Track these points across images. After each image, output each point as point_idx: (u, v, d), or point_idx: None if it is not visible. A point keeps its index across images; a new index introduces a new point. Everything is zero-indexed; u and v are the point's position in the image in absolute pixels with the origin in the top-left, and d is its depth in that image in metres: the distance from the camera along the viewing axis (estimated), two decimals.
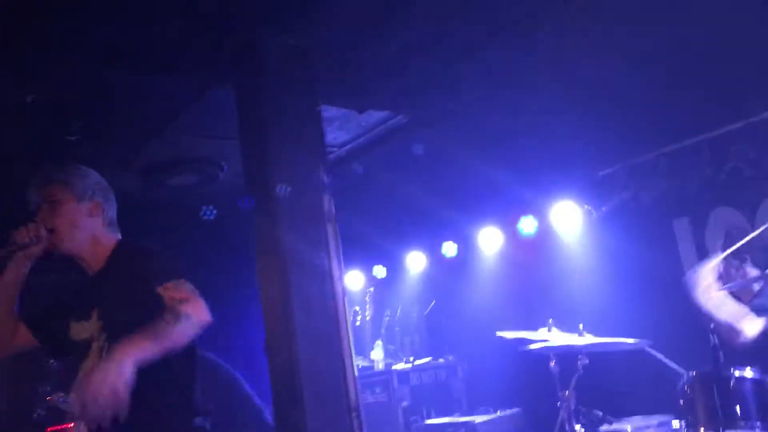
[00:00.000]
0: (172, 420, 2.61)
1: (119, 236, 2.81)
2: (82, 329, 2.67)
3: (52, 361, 2.91)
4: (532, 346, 4.55)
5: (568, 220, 6.06)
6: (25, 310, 2.75)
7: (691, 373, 3.84)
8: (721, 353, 3.60)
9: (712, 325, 3.66)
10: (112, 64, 3.56)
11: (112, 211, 2.80)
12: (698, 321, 4.13)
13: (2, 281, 2.65)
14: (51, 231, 2.62)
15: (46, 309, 2.84)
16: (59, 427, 5.91)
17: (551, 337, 4.54)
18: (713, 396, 3.65)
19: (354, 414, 3.31)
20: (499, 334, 4.80)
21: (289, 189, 3.35)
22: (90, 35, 3.31)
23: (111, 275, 2.66)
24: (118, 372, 2.22)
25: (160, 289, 2.51)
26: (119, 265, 2.68)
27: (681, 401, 3.90)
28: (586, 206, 5.91)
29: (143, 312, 2.51)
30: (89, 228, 2.70)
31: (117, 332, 2.53)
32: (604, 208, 5.79)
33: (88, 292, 2.70)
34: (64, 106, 3.93)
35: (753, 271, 4.10)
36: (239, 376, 4.98)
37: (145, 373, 2.51)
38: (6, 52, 3.29)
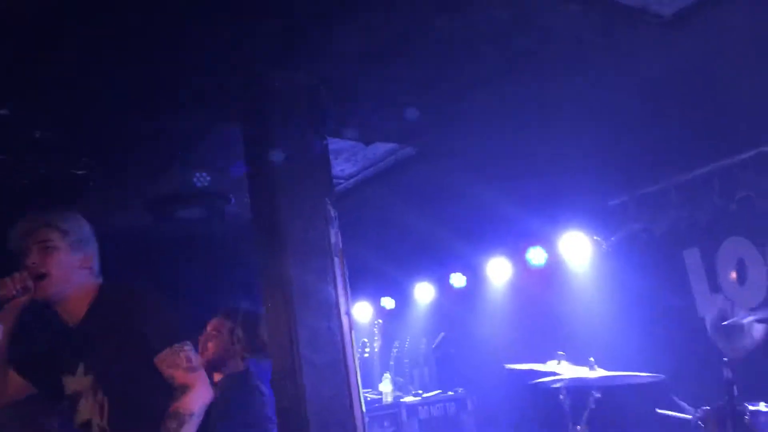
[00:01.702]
0: None
1: (101, 280, 2.75)
2: (72, 382, 2.62)
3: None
4: (543, 380, 4.50)
5: (577, 250, 6.02)
6: (14, 356, 2.67)
7: (704, 407, 3.78)
8: (735, 387, 3.55)
9: (725, 359, 3.61)
10: (119, 103, 3.58)
11: (98, 262, 2.75)
12: (711, 353, 4.08)
13: None
14: (39, 277, 2.55)
15: (36, 358, 2.76)
16: None
17: (561, 370, 4.49)
18: (727, 430, 3.59)
19: None
20: (508, 366, 4.75)
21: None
22: (95, 74, 3.33)
23: (96, 325, 2.60)
24: None
25: (156, 361, 2.51)
26: (105, 313, 2.62)
27: None
28: (595, 237, 5.88)
29: (139, 374, 2.51)
30: (78, 279, 2.65)
31: (115, 392, 2.53)
32: (613, 239, 5.75)
33: (70, 344, 2.64)
34: (71, 142, 3.95)
35: None
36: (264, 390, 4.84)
37: (146, 409, 2.51)
38: (16, 90, 3.32)
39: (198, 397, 2.50)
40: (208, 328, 3.96)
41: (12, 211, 2.78)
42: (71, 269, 2.63)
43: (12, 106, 3.43)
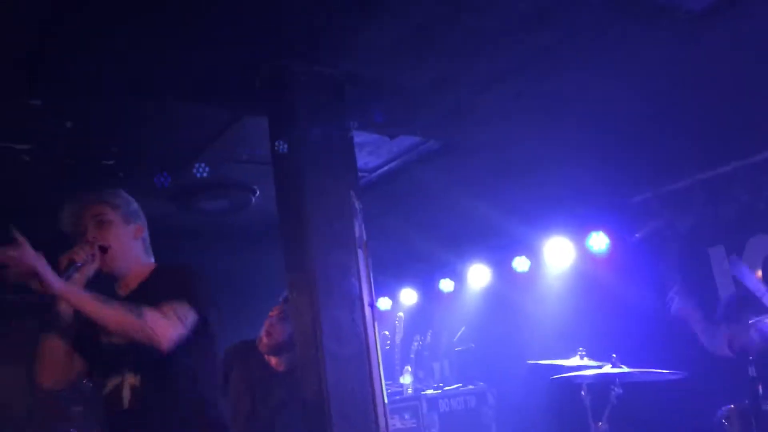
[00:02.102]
0: (212, 424, 2.65)
1: (152, 260, 2.87)
2: (110, 350, 2.67)
3: (85, 381, 2.89)
4: (564, 375, 4.50)
5: (602, 248, 6.00)
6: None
7: (729, 406, 3.76)
8: (760, 386, 3.52)
9: (751, 357, 3.58)
10: (148, 93, 3.63)
11: (148, 236, 2.87)
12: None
13: (65, 308, 2.58)
14: (103, 250, 2.65)
15: (81, 332, 2.77)
16: None
17: (583, 365, 4.48)
18: (751, 429, 3.57)
19: None
20: (531, 362, 4.76)
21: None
22: (126, 65, 3.38)
23: (143, 294, 2.68)
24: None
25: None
26: (155, 284, 2.71)
27: None
28: (620, 234, 5.85)
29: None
30: (135, 250, 2.77)
31: (149, 356, 2.57)
32: (637, 236, 5.72)
33: None
34: (101, 132, 4.00)
35: None
36: None
37: (181, 378, 2.55)
38: (47, 81, 3.38)
39: (163, 328, 2.49)
40: (274, 313, 4.06)
41: (42, 201, 2.84)
42: (128, 241, 2.73)
43: (44, 97, 3.48)
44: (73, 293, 2.49)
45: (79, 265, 2.56)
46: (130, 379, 2.61)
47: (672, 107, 4.55)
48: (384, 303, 7.85)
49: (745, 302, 4.29)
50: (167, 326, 2.50)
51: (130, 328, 2.48)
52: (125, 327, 2.49)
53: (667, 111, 4.60)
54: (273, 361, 4.06)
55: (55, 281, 2.41)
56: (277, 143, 3.53)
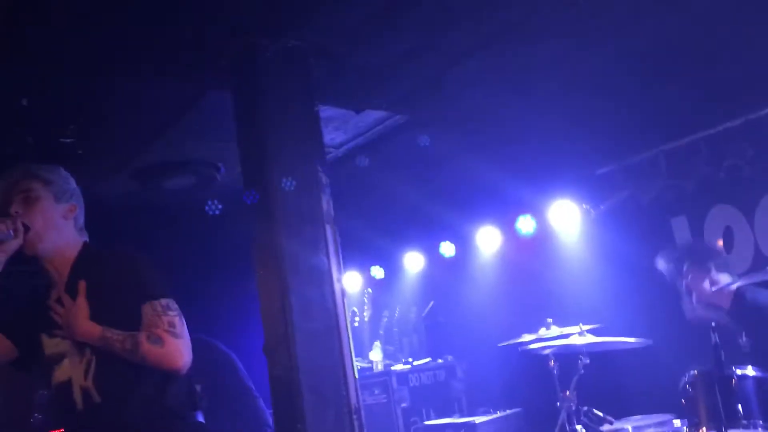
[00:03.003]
0: (174, 418, 2.56)
1: (86, 239, 2.71)
2: (54, 343, 2.57)
3: (41, 392, 2.78)
4: (532, 346, 4.55)
5: (566, 219, 6.05)
6: None
7: (692, 372, 3.83)
8: (722, 352, 3.60)
9: (713, 324, 3.65)
10: (109, 69, 3.53)
11: (83, 218, 2.70)
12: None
13: None
14: (26, 228, 2.49)
15: (17, 315, 2.70)
16: None
17: (550, 336, 4.54)
18: (715, 395, 3.65)
19: (355, 416, 3.29)
20: (502, 344, 4.82)
21: (292, 185, 3.32)
22: (86, 40, 3.28)
23: (79, 282, 2.53)
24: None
25: (145, 306, 2.46)
26: (88, 271, 2.57)
27: (682, 400, 3.90)
28: (584, 205, 5.90)
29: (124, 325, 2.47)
30: (63, 230, 2.60)
31: (103, 351, 2.47)
32: (602, 207, 5.78)
33: (56, 301, 2.57)
34: (60, 109, 3.90)
35: (724, 277, 4.12)
36: (236, 359, 4.87)
37: (141, 374, 2.48)
38: (2, 56, 3.27)
39: (172, 351, 2.43)
40: None
41: None
42: (56, 217, 2.58)
43: None
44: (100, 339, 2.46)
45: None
46: (80, 381, 2.50)
47: (636, 79, 4.59)
48: (353, 279, 7.85)
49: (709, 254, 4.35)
50: (166, 355, 2.44)
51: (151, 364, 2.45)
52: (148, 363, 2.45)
53: (630, 83, 4.64)
54: None
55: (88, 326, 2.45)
56: (241, 118, 3.47)
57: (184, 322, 2.52)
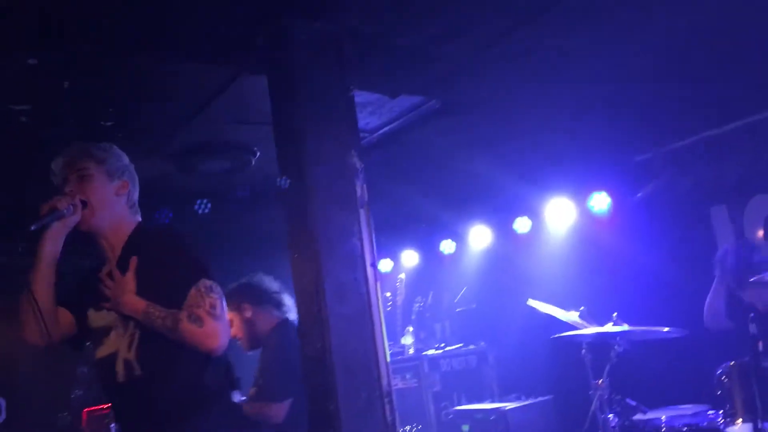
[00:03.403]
0: (211, 396, 2.62)
1: (140, 219, 2.81)
2: (100, 317, 2.66)
3: (88, 343, 2.89)
4: (565, 334, 4.52)
5: (603, 207, 5.99)
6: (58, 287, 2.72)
7: (729, 362, 3.79)
8: (760, 343, 3.54)
9: (751, 314, 3.60)
10: (148, 52, 3.57)
11: (136, 194, 2.81)
12: (736, 310, 4.06)
13: (44, 256, 2.58)
14: (83, 204, 2.60)
15: (71, 291, 2.81)
16: (96, 408, 6.03)
17: (583, 323, 4.50)
18: (751, 386, 3.60)
19: (386, 399, 3.31)
20: (531, 303, 4.78)
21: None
22: (126, 22, 3.32)
23: (130, 260, 2.63)
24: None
25: (193, 290, 2.53)
26: (140, 248, 2.66)
27: (718, 391, 3.86)
28: (621, 193, 5.84)
29: (168, 302, 2.53)
30: (116, 207, 2.71)
31: (147, 327, 2.56)
32: (639, 195, 5.71)
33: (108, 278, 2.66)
34: (99, 93, 3.96)
35: None
36: None
37: (179, 351, 2.54)
38: (43, 40, 3.32)
39: (212, 333, 2.50)
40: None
41: (42, 163, 2.81)
42: (109, 194, 2.68)
43: (41, 56, 3.44)
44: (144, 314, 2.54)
45: (61, 212, 2.52)
46: (124, 353, 2.58)
47: (676, 65, 4.50)
48: (385, 264, 7.88)
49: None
50: (204, 335, 2.50)
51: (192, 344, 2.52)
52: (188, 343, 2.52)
53: (671, 69, 4.55)
54: None
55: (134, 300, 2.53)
56: (276, 102, 3.49)
57: (225, 305, 2.58)
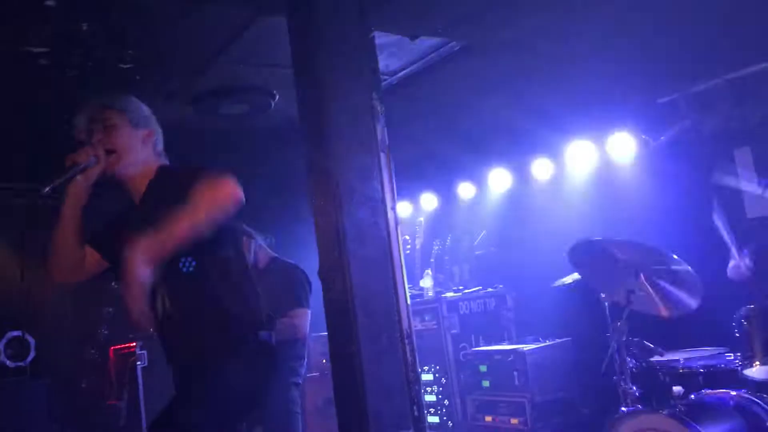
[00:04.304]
0: (237, 334, 2.68)
1: (165, 162, 2.89)
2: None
3: (114, 284, 2.99)
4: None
5: (625, 150, 5.92)
6: (85, 232, 2.82)
7: (749, 305, 3.79)
8: None
9: None
10: None
11: (161, 142, 2.89)
12: (759, 253, 4.04)
13: (68, 207, 2.69)
14: (108, 153, 2.69)
15: (103, 231, 2.92)
16: (122, 346, 6.19)
17: None
18: None
19: (407, 340, 3.35)
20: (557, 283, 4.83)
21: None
22: None
23: (153, 199, 2.72)
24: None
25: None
26: (161, 186, 2.74)
27: (737, 333, 3.87)
28: (643, 136, 5.76)
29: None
30: (142, 154, 2.79)
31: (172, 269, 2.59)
32: (662, 138, 5.63)
33: (129, 220, 2.77)
34: (117, 36, 3.93)
35: None
36: None
37: (205, 290, 2.60)
38: None
39: (221, 193, 2.53)
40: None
41: (62, 105, 2.83)
42: (135, 142, 2.77)
43: None
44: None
45: (82, 166, 2.61)
46: (161, 293, 2.67)
47: (701, 5, 4.38)
48: (404, 207, 7.88)
49: None
50: (220, 193, 2.51)
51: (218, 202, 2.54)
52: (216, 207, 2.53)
53: (696, 8, 4.43)
54: None
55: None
56: (296, 44, 3.44)
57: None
